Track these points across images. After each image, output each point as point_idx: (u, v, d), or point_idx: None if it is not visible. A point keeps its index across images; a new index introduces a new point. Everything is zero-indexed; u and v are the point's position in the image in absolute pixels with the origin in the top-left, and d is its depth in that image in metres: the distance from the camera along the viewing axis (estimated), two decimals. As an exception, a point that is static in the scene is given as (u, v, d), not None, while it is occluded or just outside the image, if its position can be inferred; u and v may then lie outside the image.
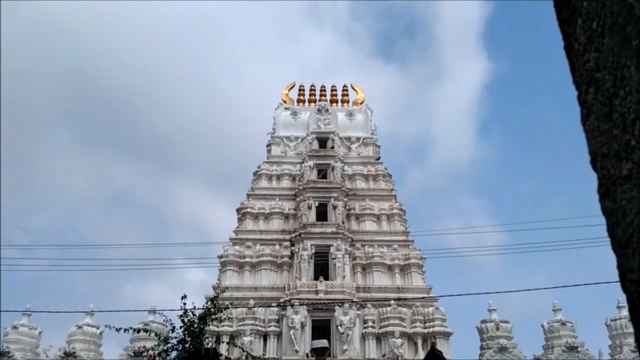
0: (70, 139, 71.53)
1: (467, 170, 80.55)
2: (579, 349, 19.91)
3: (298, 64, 76.09)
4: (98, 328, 21.16)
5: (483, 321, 21.17)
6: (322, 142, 26.28)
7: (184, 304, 11.20)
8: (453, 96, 79.58)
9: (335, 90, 29.75)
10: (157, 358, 10.87)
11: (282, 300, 20.11)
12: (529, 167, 76.57)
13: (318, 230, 21.98)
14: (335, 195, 23.27)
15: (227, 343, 19.37)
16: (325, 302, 19.75)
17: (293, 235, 22.15)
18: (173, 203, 73.73)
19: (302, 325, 19.36)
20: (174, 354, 10.90)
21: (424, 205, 75.70)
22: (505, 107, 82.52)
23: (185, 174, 76.19)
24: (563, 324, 20.85)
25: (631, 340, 19.67)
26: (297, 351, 18.88)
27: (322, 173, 24.77)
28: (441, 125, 79.31)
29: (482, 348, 20.65)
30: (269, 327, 19.91)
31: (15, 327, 20.87)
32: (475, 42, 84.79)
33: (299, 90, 29.65)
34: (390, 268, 21.69)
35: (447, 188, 78.32)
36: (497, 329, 20.63)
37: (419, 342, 19.82)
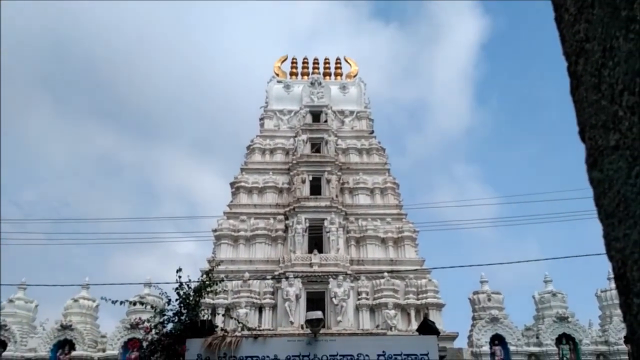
0: (51, 106, 70.53)
1: (462, 137, 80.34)
2: (569, 319, 20.15)
3: (291, 29, 74.97)
4: (94, 301, 21.24)
5: (475, 292, 21.33)
6: (316, 115, 26.12)
7: (179, 277, 11.29)
8: (451, 57, 78.70)
9: (329, 63, 29.50)
10: (153, 330, 10.99)
11: (276, 273, 20.22)
12: (524, 134, 76.49)
13: (312, 204, 22.01)
14: (329, 169, 23.24)
15: (223, 315, 19.44)
16: (320, 274, 19.87)
17: (287, 209, 22.15)
18: (161, 174, 73.39)
19: (297, 297, 19.50)
20: (170, 326, 11.03)
21: (419, 175, 75.88)
22: (502, 69, 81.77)
23: (173, 144, 75.66)
24: (554, 295, 20.99)
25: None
26: (292, 322, 19.03)
27: (316, 147, 24.69)
28: (439, 89, 78.84)
29: (474, 319, 20.88)
30: (264, 299, 20.05)
31: (11, 301, 20.95)
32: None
33: (292, 63, 29.38)
34: (383, 241, 21.82)
35: (442, 156, 78.38)
36: (489, 300, 20.80)
37: (412, 313, 20.02)
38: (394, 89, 77.41)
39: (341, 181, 23.57)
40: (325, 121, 25.68)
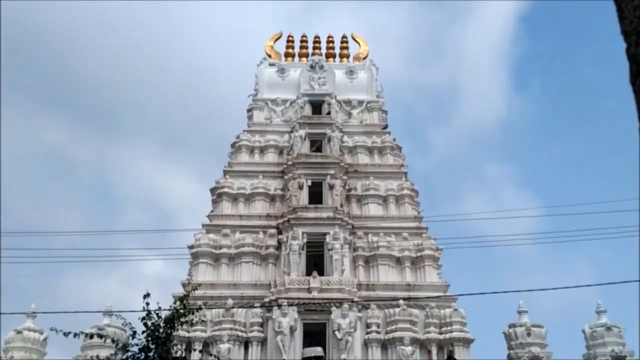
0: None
1: (497, 130, 78.67)
2: (627, 358, 20.07)
3: (287, 1, 74.19)
4: (41, 333, 21.21)
5: (511, 325, 21.27)
6: (316, 106, 26.08)
7: (147, 304, 11.04)
8: (484, 32, 77.08)
9: (332, 41, 29.49)
10: (114, 369, 10.91)
11: (267, 299, 20.07)
12: (571, 127, 75.17)
13: (311, 215, 21.92)
14: (332, 172, 23.10)
15: (200, 351, 19.37)
16: (320, 301, 19.71)
17: (280, 221, 22.10)
18: (125, 175, 72.47)
19: (292, 330, 19.30)
20: (135, 364, 10.95)
21: (443, 178, 75.07)
22: (546, 47, 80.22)
23: (140, 139, 74.72)
24: (608, 328, 20.97)
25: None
26: (285, 361, 18.94)
27: (316, 145, 24.61)
28: (469, 72, 77.00)
29: (510, 357, 20.79)
30: (251, 332, 19.89)
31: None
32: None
33: (287, 41, 29.35)
34: (398, 261, 21.71)
35: (472, 154, 76.64)
36: (529, 334, 20.74)
37: (434, 350, 19.88)
38: (414, 73, 76.92)
39: (347, 187, 23.47)
40: (328, 113, 25.59)
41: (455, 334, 20.01)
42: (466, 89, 79.79)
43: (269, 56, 28.36)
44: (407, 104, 72.41)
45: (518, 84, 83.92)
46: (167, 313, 11.51)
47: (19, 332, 21.04)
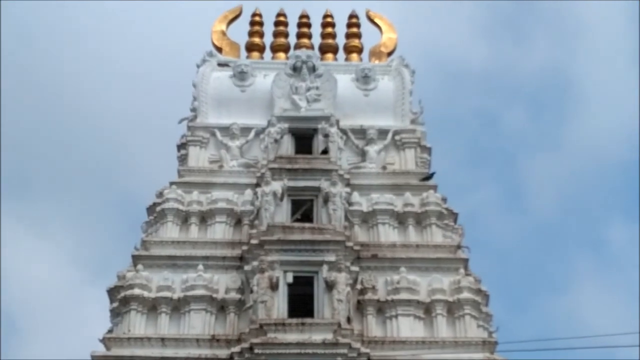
0: None
1: (631, 164, 75.99)
2: None
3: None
4: None
5: None
6: (303, 139, 26.35)
7: None
8: None
9: (332, 24, 30.01)
10: None
11: None
12: None
13: (293, 337, 21.11)
14: (331, 258, 22.41)
15: None
16: None
17: (236, 349, 21.12)
18: None
19: None
20: None
21: (539, 255, 72.65)
22: None
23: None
24: None
25: None
26: None
27: (303, 209, 24.44)
28: (591, 58, 75.07)
29: None
30: None
31: None
32: None
33: (253, 23, 29.60)
34: (453, 422, 20.71)
35: (590, 207, 74.62)
36: None
37: None
38: (489, 67, 76.28)
39: (360, 286, 22.96)
40: (324, 152, 25.53)
41: None
42: (589, 90, 76.99)
43: (219, 50, 28.69)
44: (477, 122, 70.94)
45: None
46: None
47: None
